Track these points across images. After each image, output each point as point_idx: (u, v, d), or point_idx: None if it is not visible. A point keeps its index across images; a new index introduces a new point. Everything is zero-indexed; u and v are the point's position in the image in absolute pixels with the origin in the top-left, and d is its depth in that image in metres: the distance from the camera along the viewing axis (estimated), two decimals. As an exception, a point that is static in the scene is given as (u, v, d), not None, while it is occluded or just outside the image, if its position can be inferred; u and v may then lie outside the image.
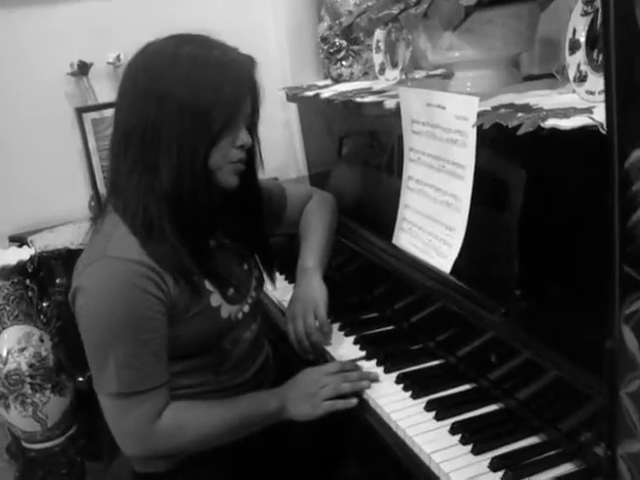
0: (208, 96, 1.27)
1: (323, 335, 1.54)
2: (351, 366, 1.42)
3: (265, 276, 1.61)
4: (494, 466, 1.08)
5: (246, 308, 1.48)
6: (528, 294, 1.19)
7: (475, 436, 1.15)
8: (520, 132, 1.15)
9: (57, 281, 2.59)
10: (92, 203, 2.67)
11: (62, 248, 2.52)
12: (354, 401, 1.35)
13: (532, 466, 1.08)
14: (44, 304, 2.66)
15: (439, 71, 2.01)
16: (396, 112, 1.56)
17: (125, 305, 1.24)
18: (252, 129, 1.41)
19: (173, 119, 1.26)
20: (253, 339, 1.51)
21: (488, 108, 1.31)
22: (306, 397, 1.37)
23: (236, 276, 1.47)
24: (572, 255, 1.16)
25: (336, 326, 1.63)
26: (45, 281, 2.62)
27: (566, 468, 1.07)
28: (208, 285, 1.37)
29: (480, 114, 1.29)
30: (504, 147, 1.25)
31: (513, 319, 1.17)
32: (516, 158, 1.22)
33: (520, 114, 1.22)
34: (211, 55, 1.29)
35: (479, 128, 1.27)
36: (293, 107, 2.50)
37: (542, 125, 1.14)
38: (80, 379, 2.63)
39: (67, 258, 2.54)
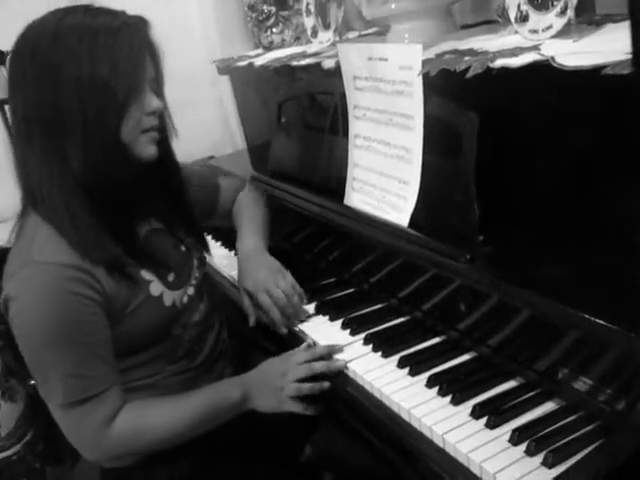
0: (103, 66, 1.18)
1: (300, 298, 1.49)
2: (321, 351, 1.35)
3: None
4: (476, 414, 1.07)
5: (191, 290, 1.42)
6: (491, 238, 1.17)
7: (452, 387, 1.14)
8: (469, 74, 1.14)
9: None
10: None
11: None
12: (326, 384, 1.30)
13: (514, 409, 1.07)
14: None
15: (372, 30, 1.99)
16: (335, 71, 1.52)
17: (58, 312, 1.17)
18: (159, 93, 1.31)
19: (71, 97, 1.17)
20: (203, 319, 1.45)
21: (432, 56, 1.29)
22: (272, 390, 1.32)
23: (175, 259, 1.40)
24: (531, 194, 1.16)
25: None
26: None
27: (547, 407, 1.07)
28: (145, 274, 1.31)
29: (424, 62, 1.27)
30: (453, 92, 1.23)
31: (479, 264, 1.15)
32: (466, 102, 1.20)
33: (467, 58, 1.20)
34: (97, 23, 1.20)
35: (425, 76, 1.25)
36: (224, 82, 2.44)
37: (491, 66, 1.12)
38: (32, 382, 2.55)
39: (2, 258, 2.45)
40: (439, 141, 1.26)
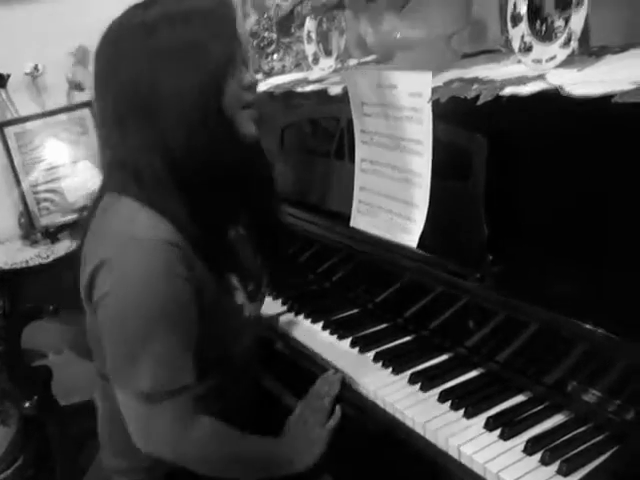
0: (201, 31, 1.16)
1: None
2: (324, 384, 1.38)
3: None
4: (490, 426, 1.12)
5: (260, 307, 1.42)
6: (499, 258, 1.22)
7: (465, 401, 1.19)
8: (480, 102, 1.19)
9: (-6, 303, 2.51)
10: (22, 220, 2.59)
11: (-4, 268, 2.45)
12: (339, 414, 1.35)
13: (526, 420, 1.12)
14: (-21, 327, 2.57)
15: (370, 57, 2.05)
16: (342, 98, 1.57)
17: (163, 292, 1.14)
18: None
19: (169, 67, 1.15)
20: (253, 347, 1.43)
21: (440, 84, 1.34)
22: (307, 449, 1.32)
23: (253, 269, 1.38)
24: (538, 215, 1.21)
25: (302, 315, 1.65)
26: (-21, 303, 2.54)
27: (559, 418, 1.11)
28: (233, 280, 1.30)
29: (433, 90, 1.32)
30: (462, 118, 1.28)
31: (489, 283, 1.20)
32: (475, 128, 1.26)
33: (475, 86, 1.26)
34: (184, 7, 1.18)
35: (434, 102, 1.31)
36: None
37: (501, 94, 1.18)
38: (27, 404, 2.55)
39: (2, 280, 2.47)
40: (448, 164, 1.32)
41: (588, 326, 1.02)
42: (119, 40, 1.20)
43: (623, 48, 1.34)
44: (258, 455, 1.30)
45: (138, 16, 1.19)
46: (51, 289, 2.50)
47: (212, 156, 1.18)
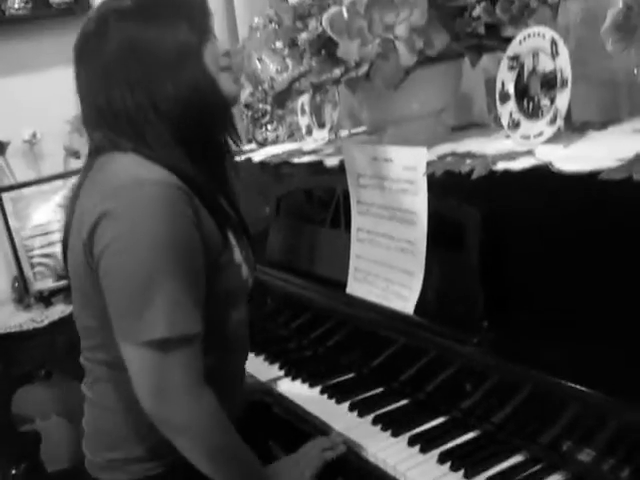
0: (177, 11, 1.28)
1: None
2: (327, 441, 1.41)
3: None
4: (488, 487, 1.16)
5: (252, 278, 1.43)
6: (495, 324, 1.28)
7: (464, 462, 1.23)
8: (474, 176, 1.26)
9: (-15, 367, 2.52)
10: (16, 284, 2.63)
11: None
12: (342, 447, 1.38)
13: (524, 481, 1.16)
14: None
15: (361, 129, 2.14)
16: (338, 169, 1.65)
17: (171, 232, 1.13)
18: None
19: (152, 30, 1.25)
20: (248, 323, 1.44)
21: (434, 157, 1.42)
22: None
23: (241, 240, 1.40)
24: (531, 283, 1.27)
25: (299, 380, 1.68)
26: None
27: (555, 479, 1.16)
28: (231, 238, 1.33)
29: (428, 163, 1.39)
30: (456, 191, 1.35)
31: (485, 347, 1.25)
32: (469, 200, 1.33)
33: (468, 161, 1.33)
34: None
35: (429, 175, 1.38)
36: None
37: (494, 169, 1.26)
38: (14, 471, 2.55)
39: (-4, 342, 2.49)
40: (444, 235, 1.38)
41: (580, 387, 1.07)
42: (103, 18, 1.27)
43: (603, 124, 1.43)
44: (249, 463, 1.28)
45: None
46: (43, 353, 2.53)
47: (202, 106, 1.26)
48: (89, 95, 1.28)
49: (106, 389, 1.32)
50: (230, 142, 1.39)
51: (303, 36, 1.65)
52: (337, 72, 1.50)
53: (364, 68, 1.45)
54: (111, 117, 1.24)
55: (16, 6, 2.58)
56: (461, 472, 1.21)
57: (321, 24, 1.56)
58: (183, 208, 1.17)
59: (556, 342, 1.18)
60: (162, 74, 1.24)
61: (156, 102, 1.24)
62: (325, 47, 1.62)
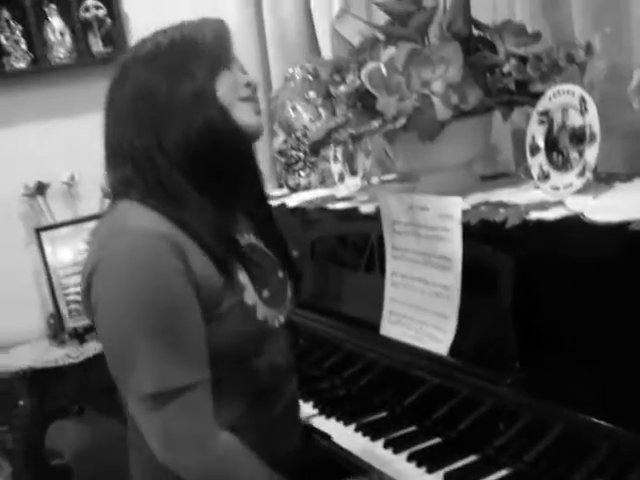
0: (190, 32, 1.29)
1: None
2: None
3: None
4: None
5: (282, 317, 1.37)
6: (527, 364, 1.34)
7: None
8: (508, 225, 1.34)
9: (20, 403, 2.59)
10: (51, 321, 2.71)
11: (26, 368, 2.54)
12: None
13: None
14: (3, 428, 2.64)
15: (391, 176, 2.22)
16: (373, 216, 1.73)
17: (154, 285, 1.12)
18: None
19: (162, 67, 1.26)
20: (284, 363, 1.40)
21: (468, 206, 1.50)
22: None
23: (271, 279, 1.36)
24: (562, 326, 1.33)
25: (333, 418, 1.75)
26: (4, 404, 2.61)
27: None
28: (242, 277, 1.26)
29: (463, 212, 1.47)
30: (490, 238, 1.43)
31: (517, 387, 1.32)
32: (502, 247, 1.40)
33: (502, 210, 1.41)
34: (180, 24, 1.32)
35: (464, 224, 1.46)
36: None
37: (527, 218, 1.33)
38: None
39: (32, 379, 2.56)
40: (477, 280, 1.45)
41: (612, 426, 1.13)
42: (124, 65, 1.31)
43: (629, 176, 1.51)
44: None
45: (145, 45, 1.31)
46: (77, 389, 2.59)
47: (211, 143, 1.23)
48: (106, 138, 1.30)
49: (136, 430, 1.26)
50: (258, 175, 1.40)
51: (341, 89, 1.74)
52: (375, 124, 1.58)
53: (402, 121, 1.53)
54: (120, 159, 1.25)
55: (61, 55, 2.70)
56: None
57: (359, 78, 1.65)
58: (164, 257, 1.14)
59: (587, 382, 1.25)
60: (170, 118, 1.23)
61: (163, 145, 1.22)
62: (361, 100, 1.71)
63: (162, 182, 1.22)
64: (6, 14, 2.67)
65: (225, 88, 1.26)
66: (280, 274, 1.42)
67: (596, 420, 1.16)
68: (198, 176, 1.24)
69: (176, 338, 1.14)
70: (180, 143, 1.23)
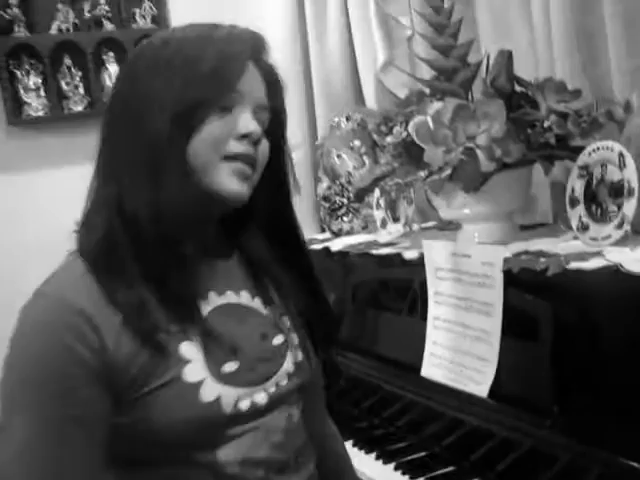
0: (180, 64, 1.00)
1: None
2: None
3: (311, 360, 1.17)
4: None
5: (260, 398, 1.05)
6: (566, 407, 1.39)
7: None
8: (550, 273, 1.40)
9: None
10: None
11: None
12: None
13: None
14: None
15: (431, 223, 2.30)
16: (417, 262, 1.80)
17: (37, 355, 0.93)
18: (274, 129, 1.10)
19: (132, 89, 1.04)
20: (278, 459, 1.07)
21: (509, 255, 1.56)
22: None
23: (251, 349, 1.06)
24: (600, 371, 1.39)
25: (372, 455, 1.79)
26: None
27: None
28: (187, 350, 0.98)
29: (505, 260, 1.54)
30: (530, 286, 1.49)
31: (557, 430, 1.37)
32: (542, 295, 1.46)
33: (542, 259, 1.47)
34: (196, 29, 1.07)
35: (507, 272, 1.52)
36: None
37: (567, 267, 1.40)
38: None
39: None
40: (518, 326, 1.51)
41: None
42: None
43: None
44: None
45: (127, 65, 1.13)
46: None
47: (160, 211, 0.98)
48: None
49: None
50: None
51: (388, 139, 1.82)
52: (422, 174, 1.66)
53: (447, 172, 1.61)
54: (86, 200, 1.07)
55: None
56: None
57: (406, 130, 1.74)
58: (58, 328, 0.93)
59: (625, 425, 1.30)
60: (127, 172, 1.02)
61: (124, 199, 1.00)
62: (407, 150, 1.79)
63: (103, 241, 1.00)
64: (68, 61, 2.80)
65: (205, 140, 0.99)
66: (276, 341, 1.11)
67: (633, 463, 1.20)
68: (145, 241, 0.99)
69: (51, 428, 0.93)
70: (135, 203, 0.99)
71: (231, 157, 1.02)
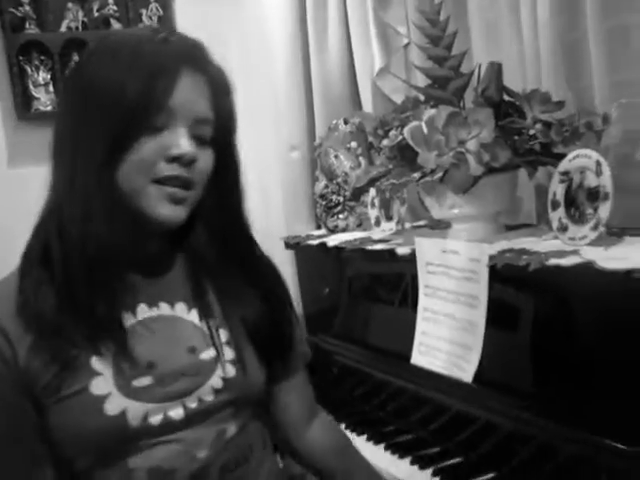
0: (109, 70, 1.00)
1: None
2: None
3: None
4: None
5: (176, 413, 1.05)
6: (543, 391, 1.53)
7: None
8: (531, 269, 1.53)
9: None
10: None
11: None
12: None
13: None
14: None
15: (422, 222, 2.43)
16: (408, 257, 1.93)
17: None
18: (220, 136, 1.08)
19: (68, 110, 1.05)
20: (202, 473, 1.07)
21: (494, 252, 1.70)
22: None
23: (173, 362, 1.07)
24: (573, 358, 1.52)
25: (363, 437, 1.93)
26: None
27: None
28: (97, 364, 1.01)
29: (490, 257, 1.67)
30: (513, 281, 1.63)
31: (533, 411, 1.50)
32: (523, 289, 1.60)
33: (524, 256, 1.61)
34: (133, 34, 1.09)
35: (492, 267, 1.65)
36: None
37: (546, 264, 1.53)
38: None
39: None
40: (501, 317, 1.65)
41: (622, 446, 1.31)
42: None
43: (639, 230, 1.71)
44: None
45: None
46: None
47: (89, 233, 1.00)
48: None
49: None
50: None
51: (384, 142, 1.95)
52: (415, 176, 1.79)
53: (439, 174, 1.74)
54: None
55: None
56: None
57: (401, 134, 1.87)
58: None
59: (596, 407, 1.41)
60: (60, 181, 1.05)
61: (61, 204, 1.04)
62: (402, 153, 1.92)
63: (38, 250, 1.05)
64: (76, 57, 2.92)
65: (132, 166, 0.98)
66: (206, 355, 1.10)
67: (605, 440, 1.33)
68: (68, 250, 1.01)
69: None
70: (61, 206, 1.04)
71: (161, 180, 1.00)
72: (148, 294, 1.09)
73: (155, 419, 1.03)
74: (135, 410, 1.02)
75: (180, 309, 1.12)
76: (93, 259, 0.99)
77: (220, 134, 1.07)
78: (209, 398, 1.08)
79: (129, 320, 1.05)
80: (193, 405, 1.07)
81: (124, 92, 0.97)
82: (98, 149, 0.97)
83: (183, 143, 1.00)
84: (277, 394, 1.28)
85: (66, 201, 1.01)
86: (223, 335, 1.12)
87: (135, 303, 1.07)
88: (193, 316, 1.12)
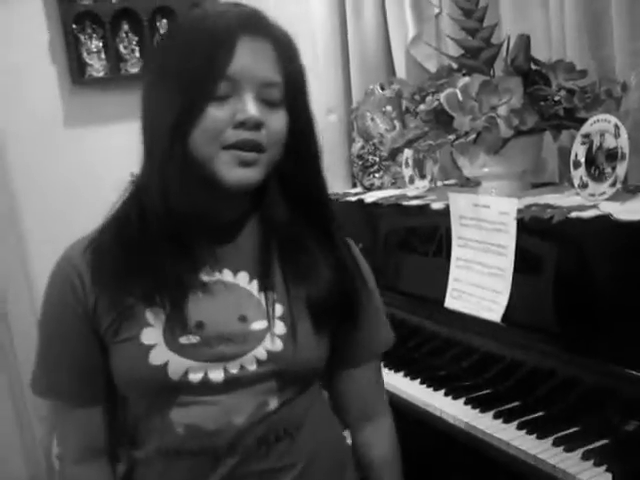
0: (177, 47, 1.06)
1: None
2: None
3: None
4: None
5: (216, 375, 1.08)
6: (566, 329, 1.73)
7: (606, 460, 1.46)
8: (554, 221, 1.73)
9: None
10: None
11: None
12: None
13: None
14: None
15: (453, 181, 2.62)
16: (442, 212, 2.13)
17: (46, 300, 1.14)
18: (291, 96, 1.08)
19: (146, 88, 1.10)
20: (227, 437, 1.09)
21: (522, 206, 1.89)
22: None
23: (223, 328, 1.09)
24: (592, 300, 1.71)
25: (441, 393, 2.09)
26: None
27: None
28: (150, 315, 1.07)
29: (518, 210, 1.87)
30: (538, 232, 1.83)
31: (559, 346, 1.70)
32: (548, 238, 1.80)
33: (549, 210, 1.80)
34: (202, 9, 1.11)
35: (519, 220, 1.85)
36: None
37: (569, 216, 1.73)
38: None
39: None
40: (527, 264, 1.85)
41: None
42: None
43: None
44: None
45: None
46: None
47: (175, 202, 1.05)
48: None
49: None
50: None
51: (421, 107, 2.14)
52: (450, 138, 1.99)
53: (472, 137, 1.94)
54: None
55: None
56: (603, 467, 1.45)
57: (438, 100, 2.06)
58: (61, 284, 1.11)
59: (613, 340, 1.60)
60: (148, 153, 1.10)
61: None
62: (437, 117, 2.11)
63: (121, 215, 1.14)
64: (126, 26, 3.10)
65: (202, 133, 1.02)
66: (258, 325, 1.11)
67: (623, 369, 1.52)
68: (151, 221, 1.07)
69: (56, 346, 1.15)
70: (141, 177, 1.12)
71: (231, 146, 1.02)
72: (214, 258, 1.11)
73: (195, 377, 1.06)
74: (177, 364, 1.05)
75: (242, 278, 1.13)
76: (167, 222, 1.05)
77: (291, 95, 1.07)
78: (251, 367, 1.08)
79: (190, 280, 1.08)
80: (234, 371, 1.08)
81: (188, 64, 1.01)
82: (169, 117, 1.01)
83: (248, 108, 1.01)
84: (340, 379, 1.28)
85: (145, 166, 1.08)
86: (279, 309, 1.12)
87: (199, 266, 1.10)
88: (253, 286, 1.13)
